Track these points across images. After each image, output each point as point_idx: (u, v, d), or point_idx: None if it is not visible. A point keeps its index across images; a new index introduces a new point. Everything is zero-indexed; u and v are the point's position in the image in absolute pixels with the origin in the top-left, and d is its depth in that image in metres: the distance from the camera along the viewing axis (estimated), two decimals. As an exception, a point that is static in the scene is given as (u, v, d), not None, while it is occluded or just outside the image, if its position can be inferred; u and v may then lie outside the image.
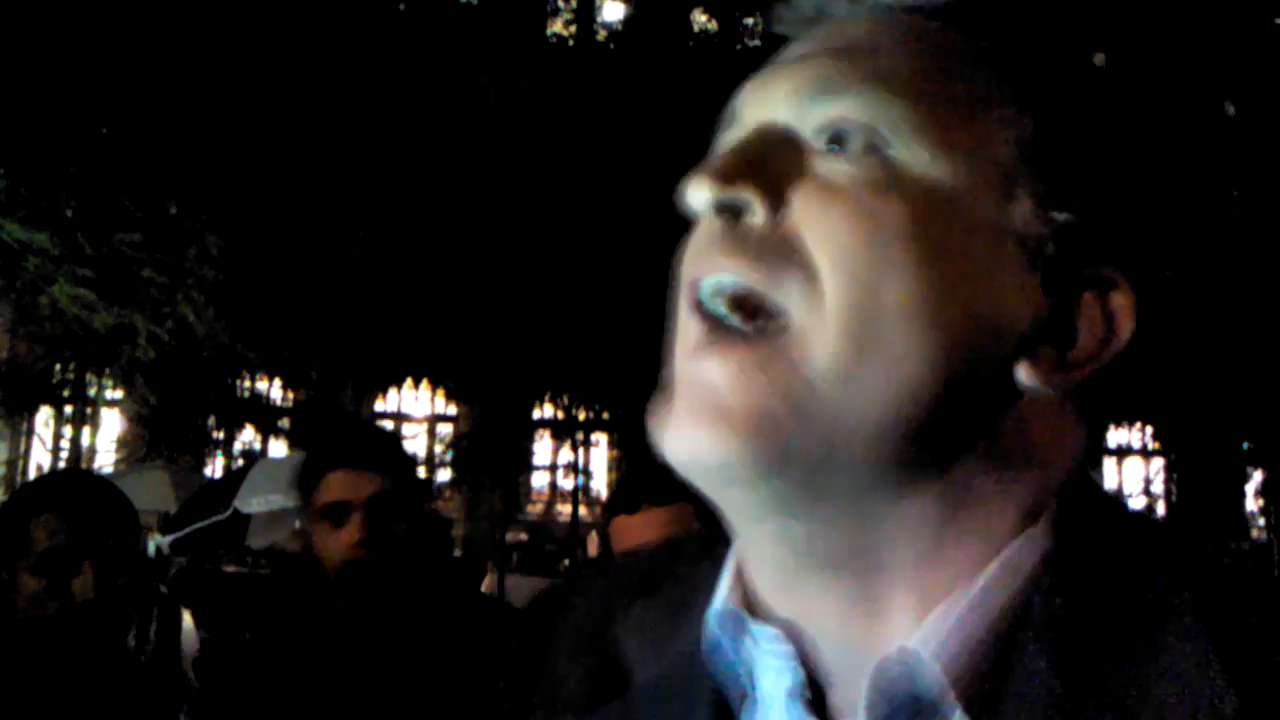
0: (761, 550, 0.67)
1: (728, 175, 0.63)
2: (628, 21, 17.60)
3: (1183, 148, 14.69)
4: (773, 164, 0.63)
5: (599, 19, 18.75)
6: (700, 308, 0.64)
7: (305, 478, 2.13)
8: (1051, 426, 0.65)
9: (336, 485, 2.06)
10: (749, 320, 0.62)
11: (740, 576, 0.70)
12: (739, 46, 16.09)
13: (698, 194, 0.63)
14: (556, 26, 18.14)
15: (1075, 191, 0.64)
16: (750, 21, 16.74)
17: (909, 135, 0.62)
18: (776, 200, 0.62)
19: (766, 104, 0.67)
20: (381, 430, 2.43)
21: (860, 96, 0.63)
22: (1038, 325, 0.63)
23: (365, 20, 12.66)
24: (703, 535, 0.80)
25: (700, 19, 16.85)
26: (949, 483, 0.62)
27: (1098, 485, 0.68)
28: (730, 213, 0.63)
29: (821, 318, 0.60)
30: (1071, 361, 0.64)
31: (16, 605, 1.92)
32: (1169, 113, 13.45)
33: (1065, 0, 0.71)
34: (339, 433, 2.23)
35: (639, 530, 2.16)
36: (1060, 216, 0.63)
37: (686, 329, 0.65)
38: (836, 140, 0.63)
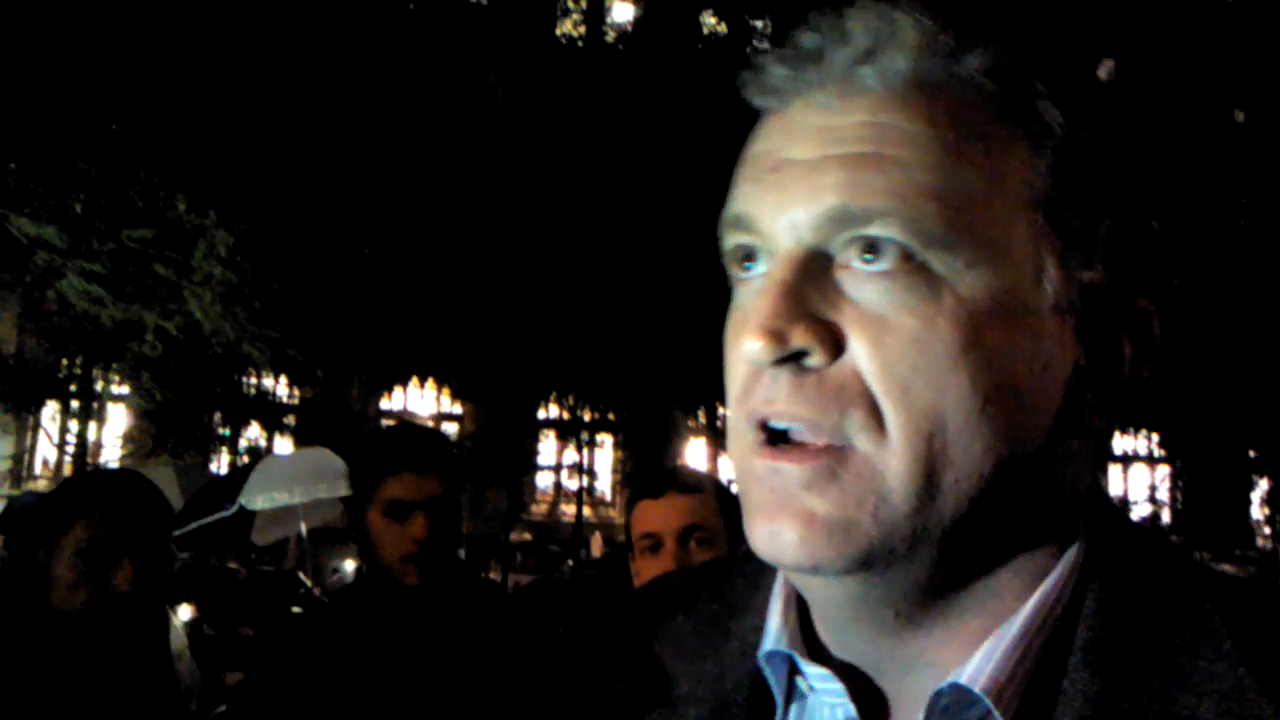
0: (824, 606, 0.71)
1: (780, 332, 0.64)
2: (637, 23, 17.62)
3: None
4: (817, 303, 0.65)
5: (608, 20, 18.77)
6: (764, 432, 0.67)
7: (368, 472, 2.25)
8: (1081, 461, 0.69)
9: (402, 485, 2.19)
10: (819, 437, 0.65)
11: (789, 614, 0.74)
12: (748, 48, 16.10)
13: (753, 349, 0.65)
14: (566, 27, 18.17)
15: (1094, 253, 0.67)
16: (759, 24, 16.76)
17: (940, 249, 0.64)
18: (830, 344, 0.65)
19: (791, 226, 0.67)
20: (440, 435, 2.54)
21: (890, 220, 0.64)
22: (1079, 374, 0.67)
23: (375, 20, 12.69)
24: (733, 556, 0.83)
25: (709, 21, 16.87)
26: (1005, 543, 0.67)
27: (1111, 503, 0.73)
28: (788, 363, 0.65)
29: (886, 446, 0.63)
30: (1112, 397, 0.68)
31: (48, 594, 1.96)
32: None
33: (1066, 70, 0.71)
34: (405, 435, 2.35)
35: (662, 514, 2.24)
36: (1085, 275, 0.67)
37: (748, 433, 0.68)
38: (870, 250, 0.65)
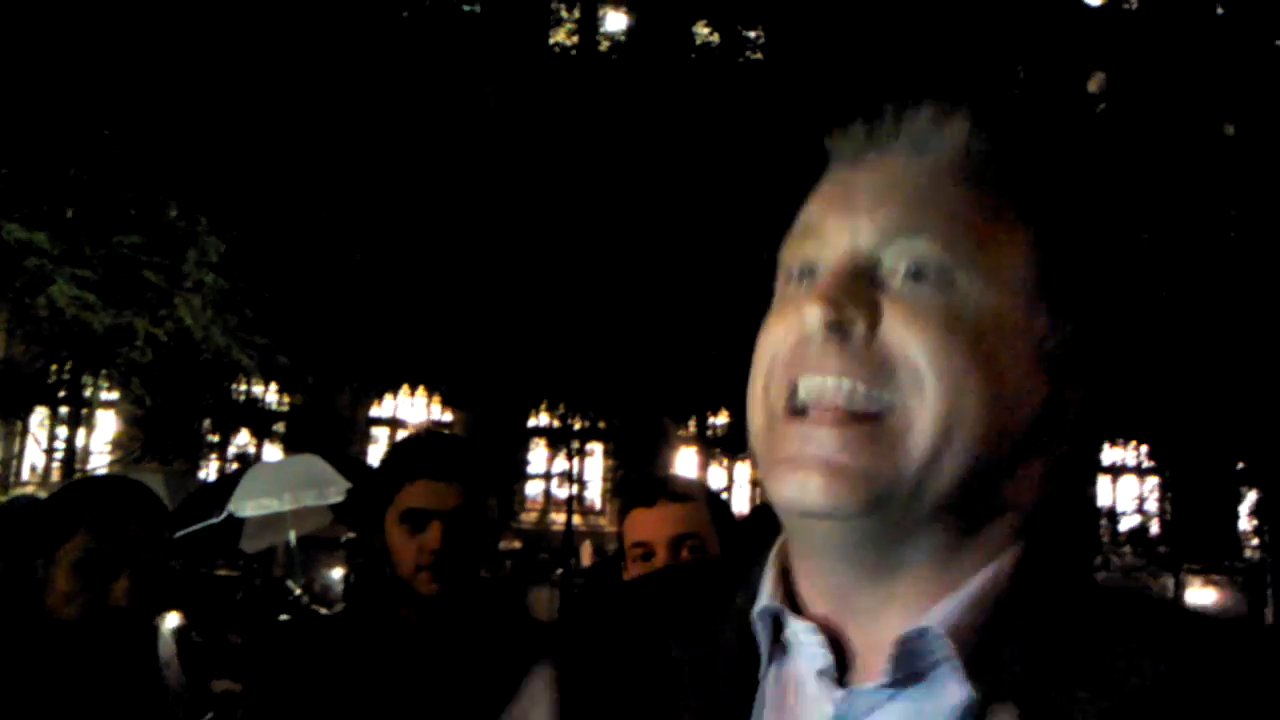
0: (818, 562, 0.86)
1: (836, 301, 0.81)
2: (630, 32, 17.66)
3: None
4: (868, 290, 0.82)
5: (601, 29, 18.80)
6: (797, 400, 0.83)
7: (387, 480, 2.22)
8: (1039, 472, 0.86)
9: (420, 493, 2.17)
10: (854, 403, 0.81)
11: (779, 581, 0.89)
12: (740, 59, 16.13)
13: (808, 314, 0.81)
14: (559, 36, 18.19)
15: (1070, 317, 0.85)
16: (752, 34, 16.79)
17: (968, 269, 0.82)
18: (875, 319, 0.81)
19: (853, 232, 0.85)
20: (465, 443, 2.48)
21: (932, 239, 0.82)
22: (1048, 408, 0.84)
23: (369, 28, 12.69)
24: (732, 559, 0.98)
25: (702, 31, 16.90)
26: (973, 516, 0.83)
27: (1064, 507, 0.89)
28: (838, 330, 0.81)
29: (923, 403, 0.79)
30: (1071, 432, 0.86)
31: (44, 602, 1.96)
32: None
33: (1077, 156, 0.91)
34: (425, 443, 2.31)
35: (654, 523, 2.24)
36: (1058, 335, 0.85)
37: (779, 402, 0.84)
38: (917, 271, 0.82)
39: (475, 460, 2.28)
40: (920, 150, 0.87)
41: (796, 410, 0.82)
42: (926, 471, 0.79)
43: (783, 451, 0.82)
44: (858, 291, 0.82)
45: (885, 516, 0.80)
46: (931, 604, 0.81)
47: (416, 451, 2.26)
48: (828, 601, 0.85)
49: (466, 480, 2.19)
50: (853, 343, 0.80)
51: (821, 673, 0.83)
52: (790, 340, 0.84)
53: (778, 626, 0.87)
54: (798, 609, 0.87)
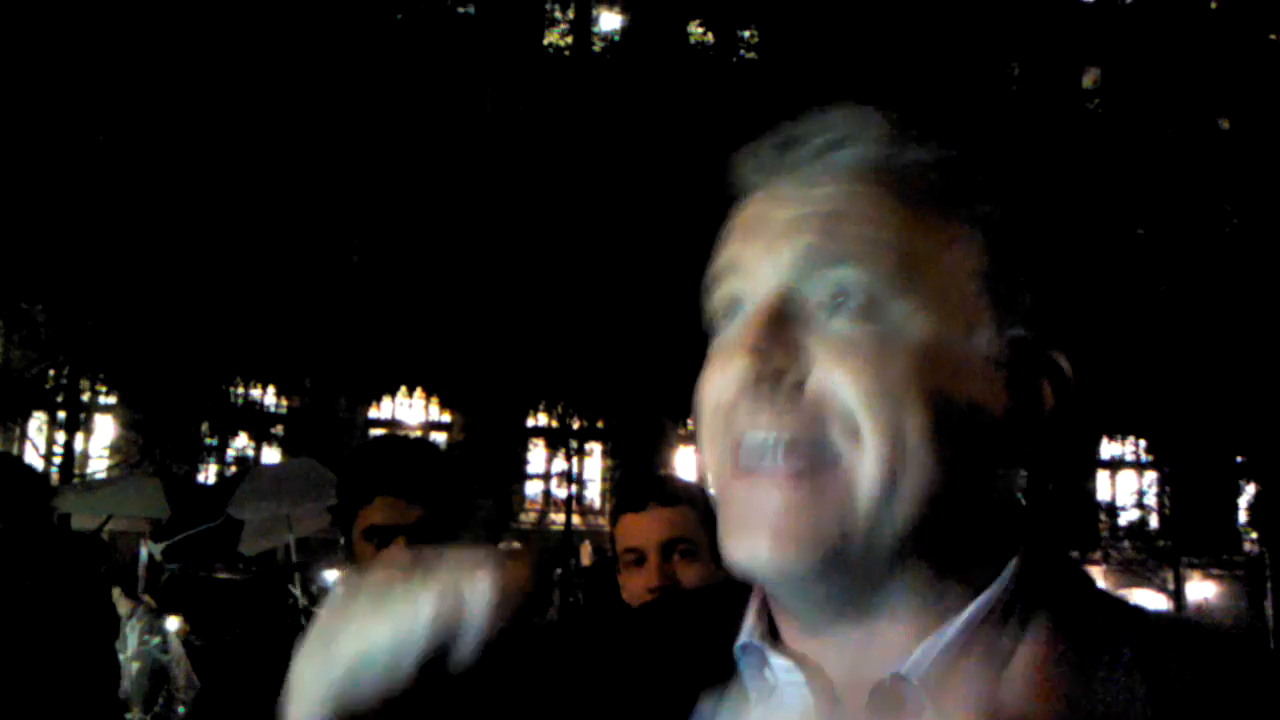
0: (791, 604, 0.83)
1: (759, 351, 0.77)
2: (624, 32, 17.66)
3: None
4: (794, 331, 0.78)
5: (596, 30, 18.80)
6: (741, 455, 0.79)
7: (352, 492, 2.22)
8: (1013, 487, 0.83)
9: (381, 510, 2.15)
10: (793, 460, 0.77)
11: (762, 615, 0.86)
12: (734, 59, 16.14)
13: (736, 367, 0.78)
14: (553, 37, 18.19)
15: (1022, 313, 0.82)
16: (746, 34, 16.80)
17: (896, 295, 0.78)
18: (804, 364, 0.77)
19: (773, 265, 0.81)
20: (430, 456, 2.40)
21: (856, 267, 0.78)
22: (1007, 416, 0.80)
23: (364, 30, 12.68)
24: (721, 586, 0.95)
25: (696, 31, 16.90)
26: (946, 552, 0.79)
27: (1048, 531, 0.86)
28: (766, 381, 0.77)
29: (863, 449, 0.75)
30: (1037, 433, 0.82)
31: None
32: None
33: (1002, 167, 0.86)
34: (390, 457, 2.28)
35: (644, 528, 2.22)
36: (1013, 332, 0.81)
37: (726, 458, 0.80)
38: (840, 298, 0.78)
39: (436, 469, 2.26)
40: (837, 165, 0.82)
41: (742, 467, 0.79)
42: (878, 519, 0.75)
43: (732, 512, 0.79)
44: (783, 334, 0.77)
45: (844, 570, 0.76)
46: (917, 640, 0.78)
47: (374, 467, 2.24)
48: (808, 638, 0.82)
49: (427, 491, 2.17)
50: (783, 393, 0.77)
51: (803, 714, 0.80)
52: (726, 393, 0.80)
53: (763, 658, 0.84)
54: (779, 644, 0.84)
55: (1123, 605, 0.83)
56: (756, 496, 0.77)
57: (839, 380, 0.76)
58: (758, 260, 0.82)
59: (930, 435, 0.75)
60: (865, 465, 0.75)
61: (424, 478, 2.20)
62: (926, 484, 0.76)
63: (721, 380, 0.80)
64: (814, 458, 0.76)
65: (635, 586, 2.22)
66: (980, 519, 0.80)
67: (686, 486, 2.36)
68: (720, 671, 0.85)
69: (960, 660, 0.77)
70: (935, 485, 0.76)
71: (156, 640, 7.33)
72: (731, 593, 0.90)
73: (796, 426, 0.76)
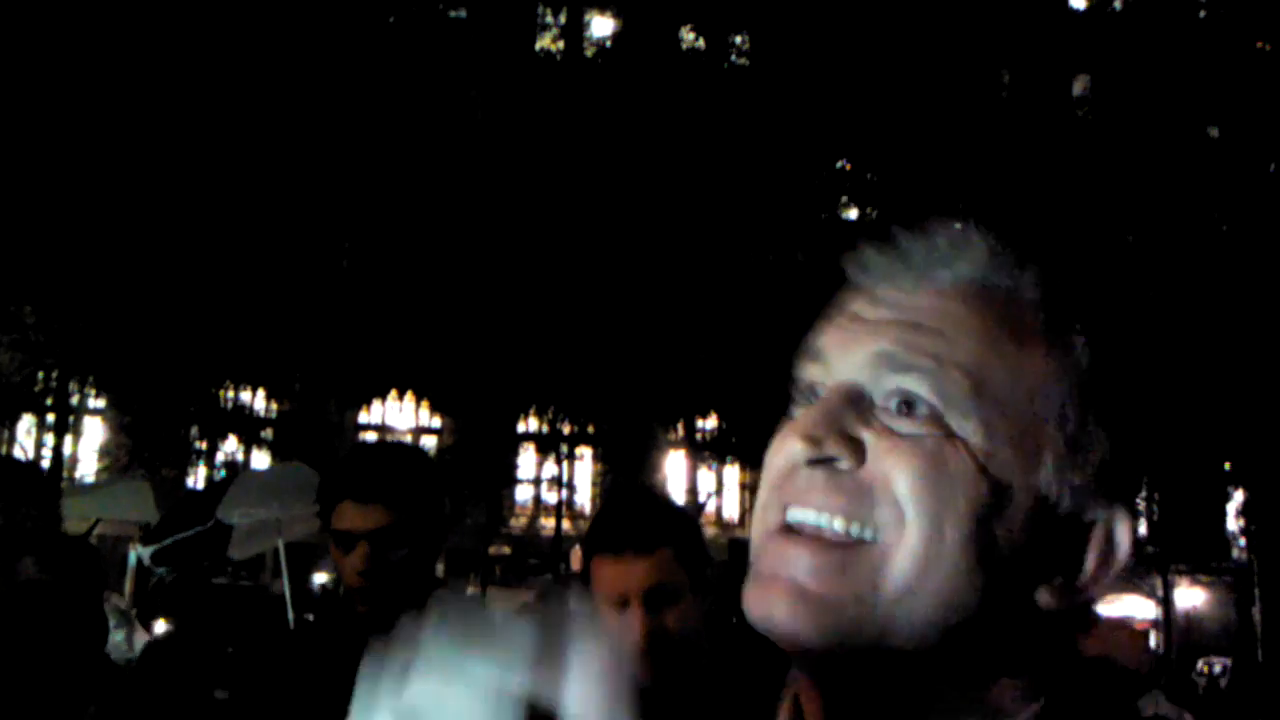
0: (820, 694, 0.83)
1: (815, 438, 0.80)
2: (616, 38, 17.68)
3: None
4: (854, 423, 0.81)
5: (587, 35, 18.81)
6: (786, 522, 0.82)
7: (324, 499, 2.25)
8: (1044, 627, 0.83)
9: (346, 515, 2.18)
10: (832, 531, 0.79)
11: (793, 708, 0.86)
12: (726, 64, 16.16)
13: (793, 449, 0.81)
14: (545, 42, 18.20)
15: (1088, 463, 0.82)
16: (738, 39, 16.83)
17: (963, 410, 0.79)
18: (859, 454, 0.79)
19: (848, 361, 0.84)
20: (396, 459, 2.37)
21: (927, 376, 0.80)
22: (1052, 558, 0.81)
23: (356, 34, 12.68)
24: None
25: (688, 36, 16.92)
26: (973, 671, 0.80)
27: (1081, 677, 0.86)
28: (819, 465, 0.80)
29: (903, 539, 0.77)
30: (1079, 587, 0.82)
31: None
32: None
33: (1100, 308, 0.88)
34: (354, 463, 2.29)
35: (621, 579, 2.15)
36: (1075, 479, 0.81)
37: (772, 523, 0.83)
38: (906, 405, 0.81)
39: (405, 478, 2.25)
40: (935, 280, 0.85)
41: (786, 529, 0.81)
42: (901, 607, 0.77)
43: (762, 566, 0.82)
44: (842, 425, 0.80)
45: (858, 651, 0.78)
46: None
47: (342, 473, 2.25)
48: None
49: (392, 499, 2.17)
50: (835, 476, 0.80)
51: None
52: (783, 465, 0.83)
53: None
54: None
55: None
56: (788, 554, 0.80)
57: (891, 470, 0.78)
58: (837, 353, 0.85)
59: (969, 545, 0.77)
60: (901, 550, 0.77)
61: (383, 483, 2.19)
62: (954, 588, 0.77)
63: (779, 460, 0.83)
64: (853, 534, 0.78)
65: (619, 628, 2.19)
66: (1005, 643, 0.81)
67: (662, 521, 2.29)
68: None
69: None
70: (963, 593, 0.77)
71: (119, 637, 7.31)
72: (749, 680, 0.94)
73: (843, 507, 0.79)
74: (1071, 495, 0.81)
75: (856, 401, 0.82)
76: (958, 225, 0.88)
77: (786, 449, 0.82)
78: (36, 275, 12.00)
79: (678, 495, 24.08)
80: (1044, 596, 0.81)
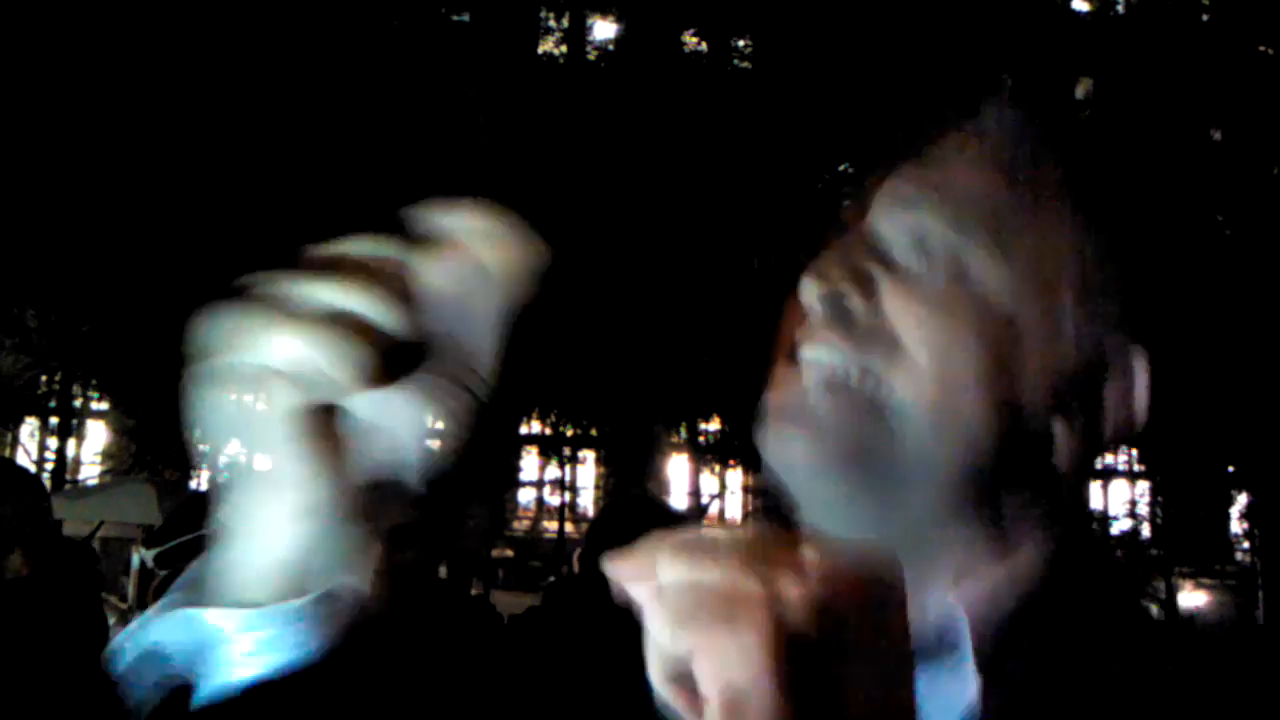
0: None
1: (827, 275, 0.80)
2: (618, 41, 17.68)
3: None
4: (868, 261, 0.81)
5: (590, 38, 18.81)
6: (799, 364, 0.81)
7: None
8: (1070, 467, 0.82)
9: None
10: (848, 376, 0.79)
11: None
12: (728, 68, 16.15)
13: (806, 289, 0.80)
14: (548, 45, 18.19)
15: (1105, 301, 0.82)
16: (741, 43, 16.82)
17: (977, 247, 0.79)
18: (869, 293, 0.79)
19: (868, 208, 0.84)
20: None
21: (940, 216, 0.80)
22: (1073, 395, 0.80)
23: (358, 37, 12.69)
24: None
25: (690, 40, 16.92)
26: (986, 507, 0.79)
27: (1087, 525, 0.89)
28: (829, 304, 0.79)
29: (918, 390, 0.76)
30: (1102, 422, 0.82)
31: None
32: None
33: (1117, 165, 0.90)
34: None
35: None
36: (1092, 318, 0.81)
37: (788, 374, 0.82)
38: (920, 242, 0.80)
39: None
40: (953, 150, 0.85)
41: (799, 371, 0.81)
42: (918, 454, 0.76)
43: (778, 399, 0.81)
44: (855, 262, 0.80)
45: (880, 496, 0.77)
46: (950, 585, 0.79)
47: None
48: None
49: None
50: (845, 315, 0.79)
51: None
52: (799, 311, 0.83)
53: None
54: None
55: (1139, 608, 0.84)
56: (805, 397, 0.79)
57: (906, 319, 0.78)
58: (863, 208, 0.85)
59: (982, 383, 0.77)
60: (918, 402, 0.76)
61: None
62: (973, 436, 0.76)
63: (798, 301, 0.83)
64: (864, 376, 0.77)
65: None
66: (1023, 488, 0.80)
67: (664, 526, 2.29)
68: None
69: (992, 611, 0.78)
70: (980, 435, 0.77)
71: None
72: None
73: (858, 352, 0.78)
74: (1089, 334, 0.81)
75: (872, 240, 0.82)
76: (999, 103, 0.87)
77: (805, 293, 0.81)
78: (39, 278, 12.02)
79: (680, 498, 24.09)
80: (1063, 438, 0.80)
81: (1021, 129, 0.85)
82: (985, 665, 0.75)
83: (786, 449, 0.79)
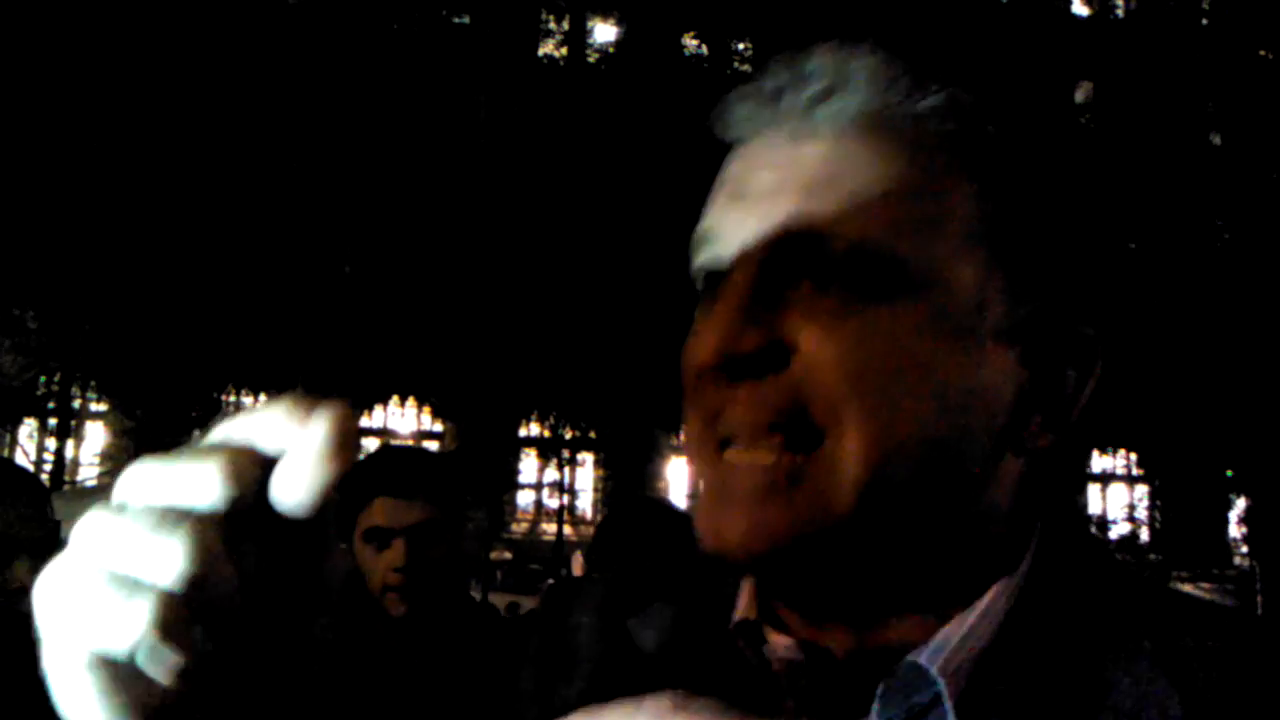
0: (781, 591, 0.76)
1: (732, 341, 0.68)
2: (619, 44, 17.71)
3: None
4: (767, 315, 0.69)
5: (590, 41, 18.83)
6: (717, 435, 0.71)
7: (351, 499, 2.20)
8: (1035, 477, 0.75)
9: (381, 511, 2.14)
10: (770, 443, 0.69)
11: (755, 596, 0.78)
12: (729, 70, 16.17)
13: (707, 346, 0.69)
14: (549, 48, 18.21)
15: (1037, 287, 0.72)
16: (741, 46, 16.84)
17: (885, 267, 0.68)
18: (781, 351, 0.68)
19: (752, 233, 0.71)
20: (430, 458, 2.38)
21: (837, 238, 0.68)
22: (1023, 396, 0.72)
23: (359, 39, 12.70)
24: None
25: (691, 42, 16.94)
26: (949, 541, 0.71)
27: (1070, 521, 0.78)
28: (735, 367, 0.69)
29: (848, 437, 0.67)
30: (1057, 419, 0.73)
31: None
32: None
33: (1016, 116, 0.75)
34: (389, 460, 2.26)
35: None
36: (1025, 309, 0.72)
37: (704, 437, 0.72)
38: (821, 273, 0.69)
39: (441, 475, 2.24)
40: (829, 117, 0.72)
41: (718, 446, 0.71)
42: (867, 506, 0.67)
43: (706, 493, 0.72)
44: (757, 316, 0.69)
45: (830, 559, 0.69)
46: (928, 628, 0.71)
47: (376, 469, 2.22)
48: (806, 624, 0.74)
49: (430, 495, 2.16)
50: (757, 387, 0.68)
51: (801, 701, 0.73)
52: (702, 372, 0.72)
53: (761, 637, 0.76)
54: (778, 619, 0.76)
55: (1144, 590, 0.75)
56: (731, 479, 0.70)
57: (821, 360, 0.67)
58: (736, 228, 0.72)
59: (926, 419, 0.67)
60: (850, 451, 0.67)
61: (425, 479, 2.19)
62: (922, 470, 0.67)
63: (696, 360, 0.71)
64: (793, 441, 0.68)
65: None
66: (986, 509, 0.72)
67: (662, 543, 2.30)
68: (713, 652, 0.78)
69: (972, 653, 0.70)
70: (933, 471, 0.68)
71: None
72: (719, 574, 0.82)
73: (774, 408, 0.68)
74: (1026, 323, 0.71)
75: (767, 285, 0.70)
76: (836, 48, 0.76)
77: (703, 349, 0.70)
78: (39, 279, 12.01)
79: (679, 499, 24.06)
80: (1017, 438, 0.72)
81: (903, 83, 0.74)
82: None
83: (722, 537, 0.70)
